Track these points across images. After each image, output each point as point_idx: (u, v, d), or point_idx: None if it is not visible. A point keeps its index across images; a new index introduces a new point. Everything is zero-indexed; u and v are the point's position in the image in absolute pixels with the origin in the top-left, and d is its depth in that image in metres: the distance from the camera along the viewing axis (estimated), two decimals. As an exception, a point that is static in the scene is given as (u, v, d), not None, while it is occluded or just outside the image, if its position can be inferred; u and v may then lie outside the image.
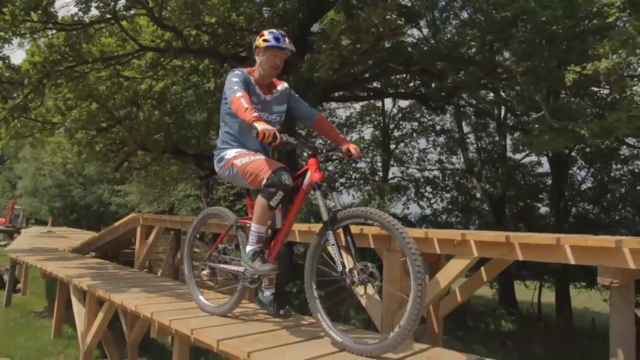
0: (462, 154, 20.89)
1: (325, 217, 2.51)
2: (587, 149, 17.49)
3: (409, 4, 12.30)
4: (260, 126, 2.40)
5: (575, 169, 19.82)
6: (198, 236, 3.81)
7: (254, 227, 2.72)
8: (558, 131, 6.20)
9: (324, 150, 2.93)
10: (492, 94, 11.27)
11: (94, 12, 8.92)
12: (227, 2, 9.78)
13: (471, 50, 9.83)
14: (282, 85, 3.02)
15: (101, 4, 8.48)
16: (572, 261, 2.57)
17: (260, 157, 2.76)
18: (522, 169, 20.85)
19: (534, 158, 19.52)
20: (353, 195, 23.18)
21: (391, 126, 23.55)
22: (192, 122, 12.93)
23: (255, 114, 2.51)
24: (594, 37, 6.57)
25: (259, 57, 2.86)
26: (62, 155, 14.31)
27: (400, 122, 23.26)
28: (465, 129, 21.50)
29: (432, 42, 12.48)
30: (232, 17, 10.54)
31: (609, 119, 5.54)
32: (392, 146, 23.79)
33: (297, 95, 3.14)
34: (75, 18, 8.44)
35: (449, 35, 12.81)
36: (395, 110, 23.19)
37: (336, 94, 13.20)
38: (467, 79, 8.30)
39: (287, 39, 2.82)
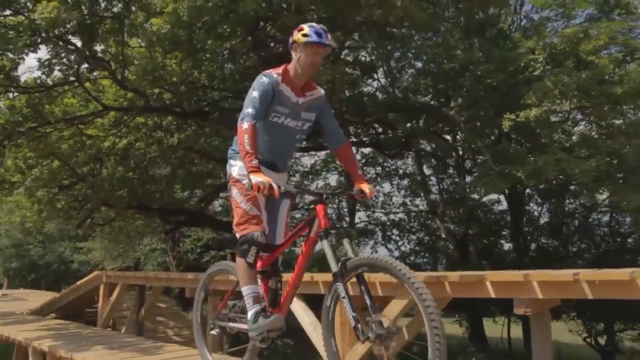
0: (425, 196, 21.58)
1: (334, 268, 2.35)
2: (541, 186, 18.48)
3: (366, 58, 13.16)
4: (254, 179, 2.34)
5: (532, 205, 20.76)
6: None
7: (244, 290, 2.64)
8: (498, 174, 6.73)
9: (330, 196, 2.78)
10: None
11: (57, 74, 9.20)
12: (189, 62, 10.20)
13: (425, 98, 10.53)
14: (318, 91, 2.83)
15: (64, 67, 8.77)
16: (492, 295, 2.90)
17: (250, 208, 2.66)
18: (483, 208, 21.64)
19: (493, 197, 20.41)
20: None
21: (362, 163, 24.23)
22: (155, 176, 13.04)
23: (255, 162, 2.41)
24: (524, 88, 7.28)
25: (296, 54, 2.66)
26: (21, 214, 14.06)
27: (364, 167, 23.95)
28: (428, 171, 22.37)
29: (390, 90, 13.27)
30: (194, 74, 10.97)
31: (538, 162, 6.10)
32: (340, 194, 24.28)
33: (331, 110, 2.97)
34: (38, 81, 8.66)
35: (405, 84, 13.66)
36: (358, 157, 23.91)
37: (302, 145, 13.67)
38: (418, 127, 8.90)
39: (329, 35, 2.65)
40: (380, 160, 23.67)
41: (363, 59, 13.04)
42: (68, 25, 6.78)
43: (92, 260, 23.03)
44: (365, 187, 2.74)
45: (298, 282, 2.64)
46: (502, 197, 20.19)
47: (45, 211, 11.80)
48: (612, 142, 6.34)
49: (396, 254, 22.97)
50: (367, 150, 23.14)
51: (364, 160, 23.51)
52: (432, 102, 10.08)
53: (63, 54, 8.02)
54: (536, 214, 20.76)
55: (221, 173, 13.91)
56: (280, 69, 2.72)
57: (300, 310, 4.17)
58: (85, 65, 8.42)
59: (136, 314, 7.41)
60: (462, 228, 20.61)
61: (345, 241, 2.44)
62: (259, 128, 2.57)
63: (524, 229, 19.70)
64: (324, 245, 2.42)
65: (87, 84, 9.12)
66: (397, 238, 22.90)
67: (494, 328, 20.04)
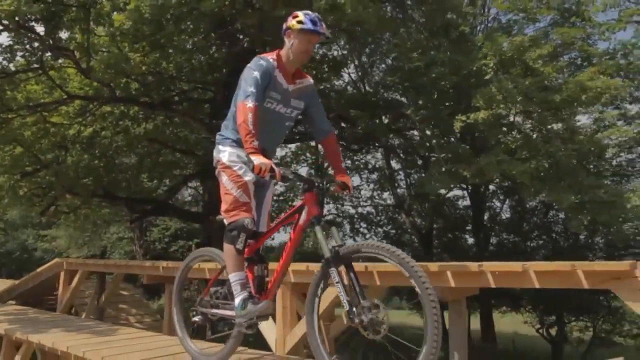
0: (392, 190, 22.10)
1: (327, 254, 2.40)
2: (505, 183, 19.21)
3: (338, 51, 13.41)
4: (257, 160, 2.35)
5: (495, 201, 21.52)
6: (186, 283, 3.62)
7: (232, 277, 2.66)
8: (448, 173, 7.14)
9: (321, 184, 2.81)
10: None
11: (20, 60, 9.12)
12: (156, 53, 10.24)
13: (395, 95, 10.84)
14: (307, 80, 2.85)
15: (27, 54, 8.73)
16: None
17: (240, 194, 2.65)
18: (447, 203, 22.31)
19: (458, 192, 21.10)
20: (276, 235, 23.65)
21: (325, 164, 24.52)
22: (122, 165, 13.04)
23: (255, 143, 2.42)
24: (475, 91, 7.70)
25: (289, 40, 2.66)
26: (-19, 201, 13.81)
27: (333, 160, 24.29)
28: (397, 166, 22.87)
29: (360, 85, 13.58)
30: (162, 64, 11.01)
31: (481, 163, 6.53)
32: (327, 184, 24.66)
33: (319, 100, 2.98)
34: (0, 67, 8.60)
35: (376, 78, 13.96)
36: (330, 149, 24.18)
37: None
38: (377, 125, 9.25)
39: (323, 24, 2.65)
40: (350, 154, 24.16)
41: (335, 52, 13.34)
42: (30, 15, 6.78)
43: (56, 248, 22.74)
44: (348, 181, 2.79)
45: (286, 268, 2.69)
46: (465, 193, 20.95)
47: (7, 198, 11.69)
48: (549, 146, 6.83)
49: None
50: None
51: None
52: (401, 99, 10.40)
53: (26, 41, 7.99)
54: (498, 210, 21.60)
55: (189, 164, 14.01)
56: (274, 54, 2.72)
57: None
58: (49, 54, 8.39)
59: (97, 301, 7.56)
60: (427, 222, 21.26)
61: (334, 229, 2.47)
62: (259, 120, 2.55)
63: (486, 224, 20.44)
64: (317, 231, 2.45)
65: (52, 72, 9.10)
66: (365, 231, 23.40)
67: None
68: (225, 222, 2.65)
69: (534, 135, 7.18)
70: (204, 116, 12.10)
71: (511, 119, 7.14)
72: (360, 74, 14.85)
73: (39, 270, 8.45)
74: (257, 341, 4.53)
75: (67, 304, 7.39)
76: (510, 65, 7.37)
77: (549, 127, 7.31)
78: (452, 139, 8.15)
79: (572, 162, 6.88)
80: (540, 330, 18.68)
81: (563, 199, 6.49)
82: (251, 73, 2.59)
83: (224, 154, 2.76)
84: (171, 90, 11.92)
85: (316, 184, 2.63)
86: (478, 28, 16.97)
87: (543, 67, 7.45)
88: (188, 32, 7.37)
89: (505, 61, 7.46)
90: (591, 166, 8.54)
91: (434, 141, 7.89)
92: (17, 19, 6.76)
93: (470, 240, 22.10)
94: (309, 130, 3.46)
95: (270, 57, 2.69)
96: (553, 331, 18.52)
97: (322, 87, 11.51)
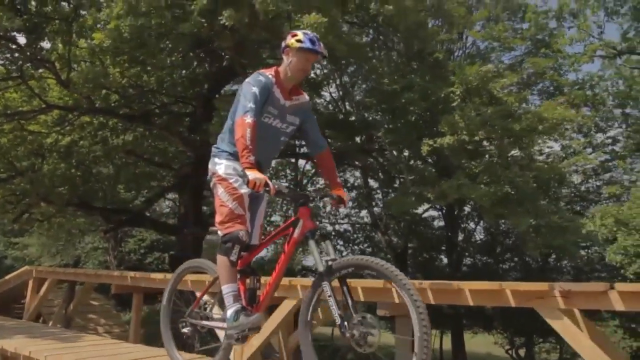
0: (368, 209, 22.42)
1: (320, 267, 2.42)
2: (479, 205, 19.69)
3: (321, 70, 13.75)
4: (252, 175, 2.39)
5: (470, 222, 21.96)
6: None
7: (224, 288, 2.65)
8: (414, 194, 7.45)
9: (315, 198, 2.86)
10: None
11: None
12: (137, 66, 10.40)
13: (376, 116, 11.15)
14: (304, 97, 2.90)
15: (7, 62, 8.85)
16: (362, 298, 3.49)
17: (236, 207, 2.68)
18: (423, 223, 22.69)
19: (433, 213, 21.53)
20: (267, 250, 23.74)
21: (304, 181, 24.73)
22: (98, 175, 13.09)
23: (252, 158, 2.46)
24: (441, 117, 8.08)
25: (287, 58, 2.72)
26: (-48, 207, 13.64)
27: (313, 178, 24.56)
28: (376, 184, 23.20)
29: (341, 103, 13.91)
30: (143, 78, 11.18)
31: (443, 186, 6.86)
32: (322, 198, 24.87)
33: (314, 117, 3.07)
34: (-21, 74, 8.70)
35: (358, 97, 14.33)
36: (308, 166, 24.46)
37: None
38: (350, 145, 9.56)
39: (321, 43, 2.73)
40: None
41: (318, 72, 13.69)
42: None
43: (27, 256, 22.35)
44: (344, 195, 2.82)
45: (278, 281, 2.70)
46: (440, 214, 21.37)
47: (-22, 204, 11.62)
48: (508, 172, 7.21)
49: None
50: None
51: (313, 171, 24.20)
52: (380, 120, 10.73)
53: (6, 51, 8.12)
54: (472, 231, 22.04)
55: (166, 176, 14.11)
56: (272, 70, 2.77)
57: (208, 306, 4.65)
58: (29, 64, 8.54)
59: (64, 310, 7.59)
60: (402, 242, 21.59)
61: (328, 243, 2.49)
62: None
63: (459, 245, 20.84)
64: (311, 245, 2.48)
65: (32, 82, 9.21)
66: (342, 248, 23.62)
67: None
68: (220, 234, 2.66)
69: (495, 161, 7.55)
70: (184, 129, 12.28)
71: (474, 145, 7.50)
72: (341, 93, 15.24)
73: (7, 277, 8.43)
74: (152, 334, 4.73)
75: (34, 311, 7.40)
76: (475, 94, 7.77)
77: (510, 154, 7.71)
78: (420, 162, 8.50)
79: (531, 188, 7.26)
80: (510, 352, 19.03)
81: (521, 222, 6.84)
82: (250, 88, 2.63)
83: (220, 166, 2.78)
84: (152, 103, 12.08)
85: (311, 198, 2.69)
86: (457, 53, 17.65)
87: (507, 97, 7.87)
88: (167, 50, 7.59)
89: (471, 89, 7.87)
90: (551, 192, 8.96)
91: (402, 164, 8.20)
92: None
93: (445, 261, 22.51)
94: (305, 146, 3.29)
95: (269, 73, 2.75)
96: (522, 352, 18.89)
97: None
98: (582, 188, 15.47)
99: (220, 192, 2.73)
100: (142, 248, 22.42)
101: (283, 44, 2.75)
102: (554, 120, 7.39)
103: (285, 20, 5.47)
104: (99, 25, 6.95)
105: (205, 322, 3.00)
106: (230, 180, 2.73)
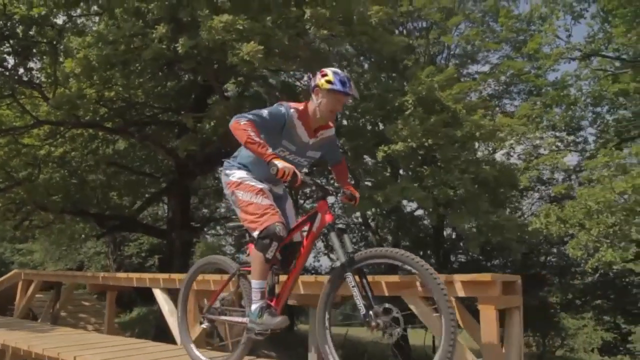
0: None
1: (343, 258, 2.44)
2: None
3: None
4: (280, 164, 2.36)
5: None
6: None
7: (254, 283, 2.64)
8: (369, 198, 8.12)
9: (334, 192, 2.81)
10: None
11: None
12: (111, 87, 10.96)
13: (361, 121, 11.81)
14: (329, 130, 2.85)
15: (1, 82, 9.66)
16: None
17: (261, 199, 2.67)
18: (415, 222, 23.27)
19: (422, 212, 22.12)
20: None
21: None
22: (92, 184, 13.88)
23: (270, 150, 2.45)
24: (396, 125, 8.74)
25: (317, 98, 2.66)
26: (-44, 216, 14.52)
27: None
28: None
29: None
30: (129, 91, 11.92)
31: (387, 190, 7.52)
32: (301, 201, 25.63)
33: (336, 139, 3.05)
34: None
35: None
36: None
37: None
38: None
39: (352, 83, 2.67)
40: (326, 172, 25.20)
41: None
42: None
43: (32, 262, 23.31)
44: (355, 193, 2.88)
45: (297, 276, 2.72)
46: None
47: (-20, 212, 12.46)
48: (450, 176, 7.84)
49: (337, 263, 24.32)
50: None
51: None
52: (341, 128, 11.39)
53: (-2, 73, 8.93)
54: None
55: (153, 183, 14.87)
56: (300, 105, 2.72)
57: (161, 299, 5.34)
58: (17, 85, 9.33)
59: (52, 308, 8.37)
60: (393, 240, 22.19)
61: (346, 237, 2.51)
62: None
63: (446, 243, 21.40)
64: (332, 237, 2.49)
65: (23, 99, 10.01)
66: (338, 248, 24.22)
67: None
68: (255, 233, 2.60)
69: (439, 166, 8.18)
70: (173, 138, 13.01)
71: (425, 151, 8.15)
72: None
73: (0, 280, 9.22)
74: (164, 335, 5.41)
75: (23, 310, 8.16)
76: (424, 103, 8.41)
77: (460, 159, 8.31)
78: (380, 166, 9.15)
79: (472, 191, 7.88)
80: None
81: (460, 222, 7.46)
82: (261, 110, 2.65)
83: (233, 175, 2.80)
84: (141, 114, 12.83)
85: (330, 192, 2.69)
86: (440, 57, 18.25)
87: (454, 105, 8.50)
88: (137, 72, 8.33)
89: (421, 99, 8.51)
90: (500, 193, 9.58)
91: (362, 168, 8.88)
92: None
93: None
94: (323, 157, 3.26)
95: (294, 107, 2.70)
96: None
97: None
98: (557, 183, 15.99)
99: (240, 194, 2.72)
100: (142, 252, 23.29)
101: (312, 83, 2.70)
102: (490, 127, 8.02)
103: (229, 48, 6.17)
104: (82, 48, 7.64)
105: (224, 318, 3.00)
106: (246, 181, 2.74)
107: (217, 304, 3.10)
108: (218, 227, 23.44)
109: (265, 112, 2.64)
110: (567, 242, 15.54)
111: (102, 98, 11.03)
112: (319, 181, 2.68)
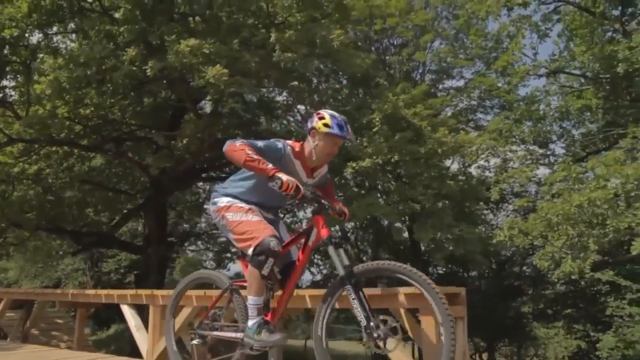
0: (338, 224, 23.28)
1: (341, 271, 2.44)
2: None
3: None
4: (284, 177, 2.38)
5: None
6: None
7: (251, 300, 2.63)
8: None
9: (329, 207, 2.77)
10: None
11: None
12: (98, 97, 11.10)
13: None
14: (324, 169, 2.92)
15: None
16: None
17: (251, 217, 2.68)
18: (391, 234, 23.55)
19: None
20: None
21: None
22: (67, 200, 13.85)
23: (270, 165, 2.46)
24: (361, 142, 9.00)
25: (314, 140, 2.67)
26: None
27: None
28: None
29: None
30: (105, 107, 11.98)
31: (354, 205, 7.77)
32: (281, 215, 25.71)
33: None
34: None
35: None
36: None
37: (204, 175, 14.94)
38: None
39: (349, 127, 2.68)
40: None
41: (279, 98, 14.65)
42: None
43: (6, 279, 22.95)
44: (344, 209, 2.90)
45: (292, 290, 2.72)
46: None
47: (-48, 230, 12.35)
48: (414, 191, 8.13)
49: (319, 277, 24.47)
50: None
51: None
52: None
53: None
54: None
55: (128, 200, 14.89)
56: (296, 145, 2.76)
57: (129, 314, 5.46)
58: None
59: (22, 326, 8.36)
60: (372, 253, 22.43)
61: (341, 250, 2.51)
62: (259, 180, 2.66)
63: (423, 254, 21.72)
64: (330, 251, 2.49)
65: (-4, 118, 10.08)
66: (320, 262, 24.37)
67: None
68: (250, 251, 2.58)
69: (404, 182, 8.48)
70: (150, 154, 13.10)
71: (392, 167, 8.43)
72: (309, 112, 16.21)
73: (-30, 299, 9.15)
74: (120, 347, 5.51)
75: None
76: (391, 121, 8.72)
77: (416, 174, 8.63)
78: (351, 183, 9.40)
79: (435, 206, 8.19)
80: (474, 357, 19.82)
81: (424, 235, 7.73)
82: (256, 141, 2.67)
83: (221, 202, 2.81)
84: (118, 130, 12.91)
85: (326, 207, 2.67)
86: (416, 72, 18.75)
87: (420, 122, 8.83)
88: (108, 93, 8.49)
89: (388, 116, 8.82)
90: (466, 207, 9.91)
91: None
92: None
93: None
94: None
95: (290, 144, 2.74)
96: (485, 356, 19.70)
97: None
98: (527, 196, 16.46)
99: (230, 216, 2.72)
100: (121, 268, 23.11)
101: (309, 125, 2.72)
102: (451, 144, 8.36)
103: (196, 71, 6.40)
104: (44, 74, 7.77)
105: (216, 333, 2.96)
106: (235, 203, 2.75)
107: (208, 320, 3.08)
108: (199, 242, 23.40)
109: (260, 142, 2.66)
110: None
111: (78, 116, 11.17)
112: (319, 196, 2.67)
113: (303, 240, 2.67)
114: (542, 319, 16.28)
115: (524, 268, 20.19)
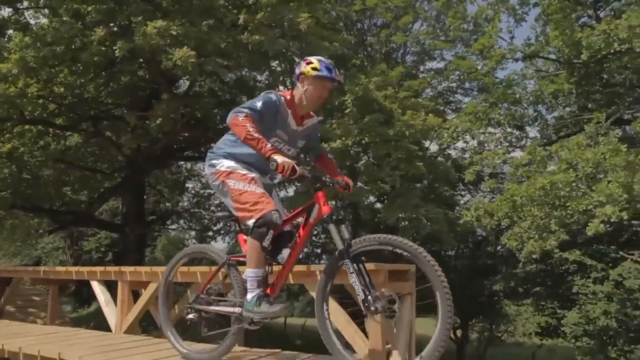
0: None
1: (340, 246, 2.45)
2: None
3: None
4: (279, 159, 2.37)
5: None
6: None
7: (250, 272, 2.62)
8: (304, 194, 8.51)
9: (332, 182, 2.79)
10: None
11: None
12: (74, 74, 10.96)
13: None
14: (313, 119, 2.91)
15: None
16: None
17: (255, 187, 2.67)
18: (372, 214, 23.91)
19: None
20: (228, 243, 24.71)
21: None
22: (43, 179, 13.79)
23: (269, 145, 2.46)
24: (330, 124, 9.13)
25: (302, 85, 2.67)
26: None
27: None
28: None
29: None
30: (78, 86, 11.82)
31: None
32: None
33: (318, 131, 3.12)
34: None
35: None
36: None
37: (185, 154, 14.97)
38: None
39: (336, 70, 2.69)
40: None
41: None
42: None
43: (-17, 258, 22.88)
44: (349, 181, 2.88)
45: (293, 264, 2.74)
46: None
47: None
48: (381, 172, 8.34)
49: (301, 256, 24.81)
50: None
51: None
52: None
53: None
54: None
55: (105, 179, 14.89)
56: (287, 94, 2.76)
57: (98, 290, 5.62)
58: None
59: (-3, 303, 8.49)
60: (352, 232, 22.79)
61: (343, 226, 2.51)
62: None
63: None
64: (331, 228, 2.49)
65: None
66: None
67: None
68: (251, 222, 2.58)
69: (372, 163, 8.67)
70: (128, 133, 13.05)
71: (362, 148, 8.61)
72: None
73: (-58, 277, 9.20)
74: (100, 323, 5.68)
75: (-33, 306, 8.23)
76: (362, 103, 8.86)
77: (384, 156, 8.81)
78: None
79: (404, 186, 8.41)
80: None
81: (391, 215, 7.97)
82: (254, 102, 2.65)
83: (221, 165, 2.79)
84: (95, 109, 12.81)
85: (327, 183, 2.67)
86: (397, 53, 18.81)
87: (390, 105, 8.98)
88: (79, 72, 8.44)
89: (359, 98, 8.95)
90: (436, 185, 10.15)
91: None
92: None
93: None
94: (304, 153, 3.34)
95: (282, 94, 2.75)
96: (459, 333, 20.35)
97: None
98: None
99: (231, 183, 2.71)
100: (102, 246, 23.16)
101: (297, 71, 2.72)
102: (419, 126, 8.55)
103: (164, 53, 6.43)
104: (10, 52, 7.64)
105: (213, 308, 2.95)
106: (237, 170, 2.74)
107: (205, 294, 3.06)
108: (182, 221, 23.46)
109: (259, 103, 2.64)
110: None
111: (51, 94, 11.06)
112: (317, 173, 2.67)
113: (304, 216, 2.67)
114: (513, 296, 16.84)
115: (498, 248, 20.74)
